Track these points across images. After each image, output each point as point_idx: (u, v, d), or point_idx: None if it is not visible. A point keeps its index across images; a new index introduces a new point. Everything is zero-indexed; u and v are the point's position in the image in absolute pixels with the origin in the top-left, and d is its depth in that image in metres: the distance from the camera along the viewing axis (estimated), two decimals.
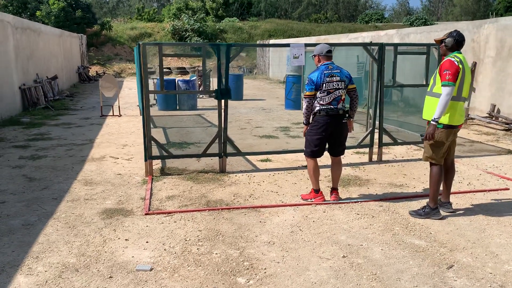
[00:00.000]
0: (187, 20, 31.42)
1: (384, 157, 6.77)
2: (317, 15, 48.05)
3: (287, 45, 6.07)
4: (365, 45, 6.60)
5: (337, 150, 4.81)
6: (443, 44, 4.26)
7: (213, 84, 16.36)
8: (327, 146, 4.82)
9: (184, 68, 27.27)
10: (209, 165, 6.31)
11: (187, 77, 18.34)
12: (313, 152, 4.72)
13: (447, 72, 4.03)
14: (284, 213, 4.46)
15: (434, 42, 4.55)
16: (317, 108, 4.60)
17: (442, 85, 4.05)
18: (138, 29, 32.74)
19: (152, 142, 5.78)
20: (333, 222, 4.23)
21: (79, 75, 21.88)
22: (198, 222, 4.18)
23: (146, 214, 4.39)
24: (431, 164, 4.34)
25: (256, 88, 19.15)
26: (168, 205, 4.67)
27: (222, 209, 4.54)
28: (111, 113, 11.25)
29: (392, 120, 9.80)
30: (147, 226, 4.10)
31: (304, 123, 4.81)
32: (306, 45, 6.10)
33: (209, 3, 38.48)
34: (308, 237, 3.87)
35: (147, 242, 3.76)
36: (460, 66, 4.07)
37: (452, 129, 4.19)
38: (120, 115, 11.07)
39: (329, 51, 4.68)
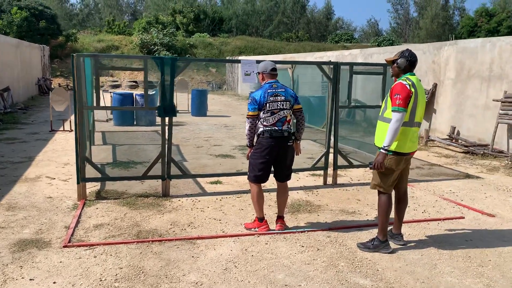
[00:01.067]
0: (156, 34, 30.95)
1: (340, 180, 6.47)
2: (289, 34, 48.43)
3: (238, 61, 5.72)
4: (319, 64, 6.33)
5: (283, 175, 4.45)
6: (395, 65, 3.98)
7: (178, 100, 15.93)
8: (272, 169, 4.46)
9: (136, 81, 26.52)
10: (153, 188, 5.84)
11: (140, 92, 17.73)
12: (256, 177, 4.34)
13: (398, 96, 3.74)
14: (222, 246, 4.03)
15: (387, 64, 4.28)
16: (261, 129, 4.24)
17: (392, 111, 3.76)
18: (106, 41, 32.04)
19: (87, 162, 5.28)
20: (273, 257, 3.83)
21: (39, 87, 20.99)
22: (122, 258, 3.70)
23: (64, 246, 3.88)
24: (379, 193, 4.03)
25: (222, 104, 18.80)
26: (94, 236, 4.17)
27: (152, 241, 4.07)
28: (62, 128, 10.61)
29: (353, 140, 9.59)
30: (60, 262, 3.59)
31: (247, 145, 4.44)
32: (259, 62, 5.77)
33: (180, 18, 38.20)
34: (242, 276, 3.45)
35: (54, 282, 3.25)
36: (412, 89, 3.79)
37: (402, 156, 3.89)
38: (71, 130, 10.43)
39: (274, 69, 4.36)
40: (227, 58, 29.38)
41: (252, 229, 4.41)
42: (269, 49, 33.54)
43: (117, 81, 28.03)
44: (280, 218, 4.49)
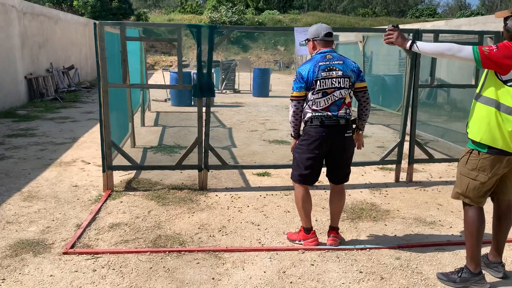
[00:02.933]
0: (224, 12, 30.36)
1: (416, 177, 5.26)
2: (365, 9, 45.56)
3: (291, 28, 4.69)
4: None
5: (338, 175, 3.42)
6: (505, 26, 2.75)
7: (240, 79, 15.17)
8: (324, 169, 3.44)
9: (218, 61, 26.15)
10: (192, 178, 5.07)
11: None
12: (302, 177, 3.36)
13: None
14: (254, 264, 3.13)
15: (487, 31, 3.05)
16: (309, 114, 3.23)
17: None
18: (175, 21, 32.04)
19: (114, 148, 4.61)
20: (319, 285, 2.86)
21: None
22: (125, 274, 2.94)
23: (64, 253, 3.20)
24: (465, 205, 2.90)
25: (287, 84, 17.72)
26: (104, 239, 3.46)
27: (169, 251, 3.27)
28: None
29: (434, 126, 8.17)
30: (51, 275, 2.90)
31: (292, 136, 3.47)
32: None
33: None
34: None
35: None
36: None
37: (504, 156, 2.72)
38: None
39: (329, 34, 3.28)
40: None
41: (297, 242, 3.47)
42: (342, 25, 31.61)
43: (185, 60, 27.96)
44: (333, 229, 3.49)
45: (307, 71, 3.19)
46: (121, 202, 4.31)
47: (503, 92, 2.64)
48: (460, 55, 2.76)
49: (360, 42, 8.73)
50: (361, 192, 4.74)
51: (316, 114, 3.18)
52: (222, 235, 3.59)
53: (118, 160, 4.86)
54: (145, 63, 8.42)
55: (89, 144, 6.78)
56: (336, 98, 3.18)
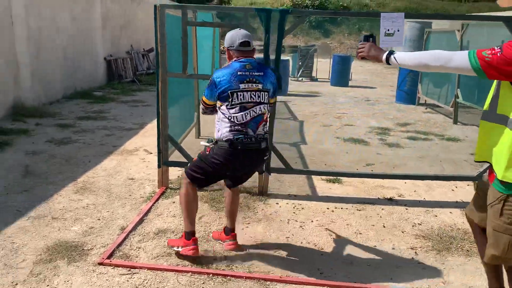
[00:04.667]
0: None
1: None
2: None
3: (377, 14, 3.96)
4: (508, 19, 4.09)
5: (238, 183, 3.13)
6: None
7: (319, 66, 14.39)
8: None
9: (297, 46, 25.39)
10: (252, 179, 4.57)
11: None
12: (194, 178, 2.90)
13: None
14: None
15: None
16: (225, 129, 2.76)
17: None
18: (257, 4, 31.61)
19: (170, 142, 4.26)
20: None
21: None
22: None
23: (100, 263, 2.88)
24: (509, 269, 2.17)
25: (370, 73, 16.61)
26: (146, 249, 3.10)
27: (213, 274, 2.81)
28: None
29: None
30: None
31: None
32: (408, 16, 3.93)
33: None
34: None
35: None
36: None
37: None
38: None
39: (245, 43, 2.81)
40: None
41: (175, 248, 3.00)
42: (435, 11, 29.13)
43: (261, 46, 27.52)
44: (232, 231, 3.17)
45: (222, 79, 2.73)
46: (173, 202, 3.94)
47: None
48: (452, 65, 2.03)
49: (458, 31, 7.60)
50: (450, 213, 3.95)
51: (235, 133, 2.73)
52: (277, 258, 3.07)
53: (176, 154, 4.51)
54: (219, 49, 8.05)
55: (155, 132, 6.54)
56: (256, 114, 2.76)
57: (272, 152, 4.18)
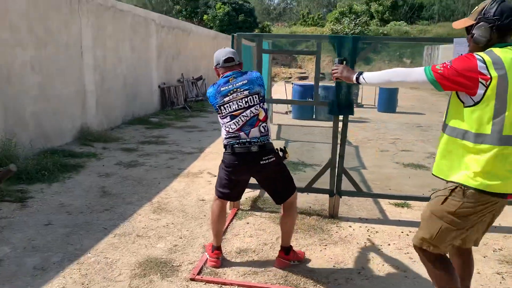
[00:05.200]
0: (347, 24, 29.68)
1: None
2: None
3: (448, 40, 4.02)
4: None
5: (278, 196, 3.22)
6: (471, 37, 2.21)
7: (364, 93, 14.41)
8: None
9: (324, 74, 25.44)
10: (320, 202, 4.65)
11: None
12: (220, 192, 3.20)
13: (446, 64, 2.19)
14: None
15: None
16: (224, 137, 3.08)
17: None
18: (298, 32, 32.25)
19: None
20: None
21: None
22: None
23: (191, 279, 2.99)
24: (423, 251, 2.38)
25: (416, 99, 16.45)
26: (232, 267, 3.19)
27: None
28: None
29: None
30: None
31: None
32: None
33: (375, 6, 35.96)
34: None
35: None
36: (492, 72, 2.03)
37: (491, 198, 2.11)
38: None
39: (228, 59, 3.12)
40: (425, 48, 26.02)
41: (206, 252, 3.32)
42: None
43: (305, 72, 27.88)
44: (282, 249, 3.25)
45: (210, 95, 3.08)
46: (247, 223, 4.05)
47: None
48: (410, 79, 2.28)
49: None
50: None
51: (230, 140, 3.01)
52: (362, 279, 3.08)
53: None
54: (270, 75, 8.27)
55: (215, 155, 6.76)
56: (248, 118, 2.97)
57: (343, 175, 4.25)
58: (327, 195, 4.33)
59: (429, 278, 3.10)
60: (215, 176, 5.56)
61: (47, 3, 6.48)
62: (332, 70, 2.87)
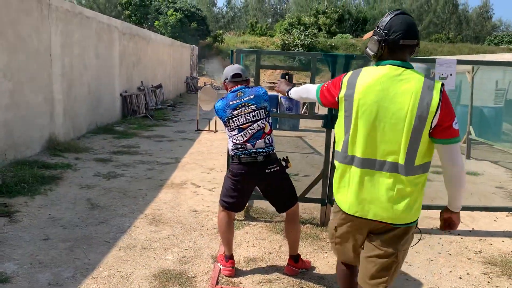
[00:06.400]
0: (297, 35, 30.54)
1: None
2: (438, 34, 44.06)
3: (430, 60, 4.41)
4: None
5: (282, 204, 3.41)
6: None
7: None
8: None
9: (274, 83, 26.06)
10: (308, 211, 4.86)
11: None
12: (226, 204, 3.33)
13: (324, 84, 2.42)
14: None
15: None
16: (231, 148, 3.26)
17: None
18: (249, 42, 32.70)
19: None
20: None
21: (187, 85, 21.94)
22: None
23: None
24: None
25: None
26: (245, 275, 3.31)
27: None
28: (207, 128, 10.39)
29: None
30: None
31: None
32: (459, 62, 4.38)
33: (323, 18, 37.31)
34: None
35: None
36: (346, 89, 2.08)
37: (345, 216, 2.18)
38: (216, 131, 10.16)
39: (236, 75, 3.34)
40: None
41: (219, 264, 3.43)
42: (419, 51, 30.66)
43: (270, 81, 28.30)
44: (291, 257, 3.43)
45: (219, 109, 3.26)
46: (247, 233, 4.17)
47: None
48: (310, 96, 2.51)
49: (469, 72, 8.21)
50: (503, 241, 4.28)
51: (236, 151, 3.18)
52: None
53: None
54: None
55: (192, 166, 6.80)
56: (255, 131, 3.16)
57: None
58: (315, 204, 4.56)
59: (429, 281, 3.39)
60: (200, 187, 5.66)
61: (18, 7, 6.24)
62: (275, 83, 3.18)
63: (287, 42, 30.35)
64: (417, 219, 2.14)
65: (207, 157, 7.48)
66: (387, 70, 2.01)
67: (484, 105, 10.78)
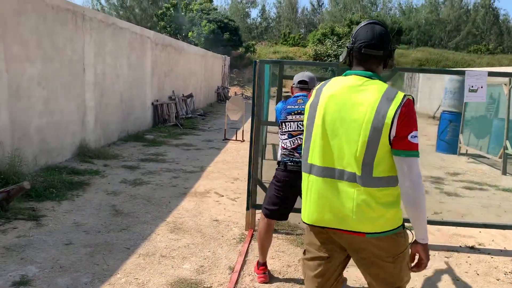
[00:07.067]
0: (330, 45, 30.39)
1: None
2: (477, 46, 42.83)
3: (460, 72, 4.26)
4: None
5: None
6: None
7: None
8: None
9: None
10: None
11: None
12: (268, 211, 3.33)
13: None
14: None
15: None
16: (279, 153, 3.33)
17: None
18: (281, 53, 32.81)
19: (259, 186, 4.48)
20: None
21: (218, 94, 22.18)
22: None
23: None
24: None
25: None
26: None
27: None
28: (234, 137, 10.44)
29: None
30: None
31: None
32: (490, 74, 4.21)
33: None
34: None
35: None
36: (313, 98, 2.06)
37: (311, 227, 2.06)
38: (243, 140, 10.18)
39: (302, 81, 3.39)
40: (405, 72, 26.79)
41: (255, 272, 3.47)
42: (455, 63, 29.90)
43: (288, 92, 28.29)
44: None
45: (278, 110, 3.33)
46: None
47: None
48: None
49: (505, 85, 7.90)
50: None
51: (284, 157, 3.23)
52: None
53: (259, 197, 4.72)
54: (279, 96, 8.46)
55: (217, 175, 6.82)
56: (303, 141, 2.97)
57: None
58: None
59: None
60: (223, 196, 5.66)
61: (54, 18, 6.49)
62: None
63: (319, 52, 30.26)
64: (398, 227, 1.94)
65: (232, 166, 7.49)
66: (350, 80, 1.97)
67: None
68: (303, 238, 2.27)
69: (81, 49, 7.36)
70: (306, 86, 3.38)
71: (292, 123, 3.22)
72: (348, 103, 1.91)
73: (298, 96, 3.31)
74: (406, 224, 1.98)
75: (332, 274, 2.05)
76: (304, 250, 2.14)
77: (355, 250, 1.98)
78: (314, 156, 1.98)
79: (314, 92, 2.08)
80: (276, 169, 3.30)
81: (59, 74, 6.68)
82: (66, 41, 6.87)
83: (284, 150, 3.24)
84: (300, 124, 3.19)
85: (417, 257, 1.97)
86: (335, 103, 1.94)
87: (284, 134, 3.24)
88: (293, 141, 3.19)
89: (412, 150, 1.84)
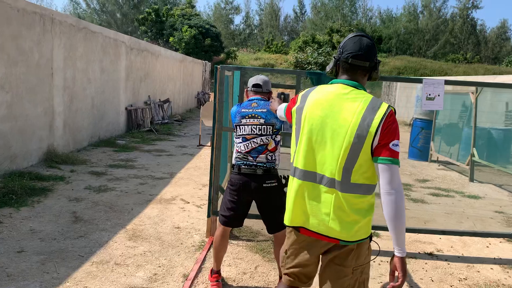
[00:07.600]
0: (311, 53, 30.65)
1: None
2: (455, 55, 43.75)
3: (417, 80, 4.33)
4: None
5: (274, 224, 3.23)
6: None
7: None
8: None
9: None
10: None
11: None
12: (224, 218, 3.28)
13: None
14: None
15: None
16: (234, 157, 3.28)
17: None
18: (262, 59, 32.95)
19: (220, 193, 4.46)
20: None
21: (198, 100, 22.12)
22: None
23: None
24: None
25: None
26: None
27: None
28: (209, 143, 10.39)
29: None
30: None
31: None
32: (447, 82, 4.29)
33: (337, 37, 37.39)
34: None
35: None
36: (299, 103, 2.13)
37: (292, 230, 2.15)
38: None
39: (256, 85, 3.37)
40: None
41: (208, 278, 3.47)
42: (433, 71, 30.45)
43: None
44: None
45: (232, 114, 3.32)
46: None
47: None
48: (281, 114, 2.69)
49: (472, 93, 8.07)
50: (491, 269, 4.11)
51: (238, 160, 3.20)
52: None
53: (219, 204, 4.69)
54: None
55: (186, 181, 6.77)
56: (257, 145, 3.16)
57: None
58: None
59: None
60: (188, 203, 5.61)
61: (20, 21, 6.39)
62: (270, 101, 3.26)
63: (300, 59, 30.48)
64: (367, 237, 2.05)
65: (203, 172, 7.45)
66: (336, 88, 2.03)
67: (494, 127, 10.57)
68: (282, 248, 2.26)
69: (49, 53, 7.25)
70: (260, 90, 3.36)
71: (246, 126, 3.19)
72: (335, 110, 1.96)
73: (252, 100, 3.29)
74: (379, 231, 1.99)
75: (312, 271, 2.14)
76: (286, 250, 2.20)
77: (326, 253, 2.05)
78: (298, 159, 2.05)
79: (299, 97, 2.13)
80: (231, 173, 3.28)
81: (25, 78, 6.57)
82: (33, 45, 6.76)
83: (238, 154, 3.20)
84: (253, 127, 3.16)
85: (396, 274, 1.95)
86: (321, 109, 1.99)
87: (239, 138, 3.21)
88: (247, 144, 3.16)
89: (392, 158, 1.88)
